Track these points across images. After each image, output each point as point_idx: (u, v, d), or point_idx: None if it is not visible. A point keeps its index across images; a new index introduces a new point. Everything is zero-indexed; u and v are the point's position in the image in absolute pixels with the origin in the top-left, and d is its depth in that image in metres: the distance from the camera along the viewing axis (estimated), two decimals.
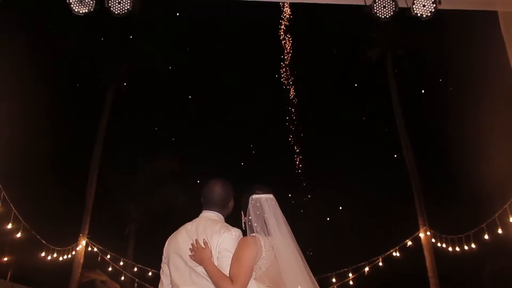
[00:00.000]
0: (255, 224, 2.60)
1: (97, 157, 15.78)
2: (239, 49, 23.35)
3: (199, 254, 2.52)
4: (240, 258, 2.46)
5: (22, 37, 13.22)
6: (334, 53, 23.07)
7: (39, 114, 15.23)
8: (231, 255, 2.51)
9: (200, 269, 2.54)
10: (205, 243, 2.55)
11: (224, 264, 2.50)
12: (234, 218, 2.85)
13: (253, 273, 2.47)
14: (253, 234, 2.61)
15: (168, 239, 2.84)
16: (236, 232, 2.62)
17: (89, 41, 16.49)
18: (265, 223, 2.59)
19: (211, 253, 2.53)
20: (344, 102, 21.85)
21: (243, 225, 2.70)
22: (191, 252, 2.57)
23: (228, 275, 2.44)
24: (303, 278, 2.53)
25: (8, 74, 11.33)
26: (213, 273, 2.45)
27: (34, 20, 15.16)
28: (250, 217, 2.63)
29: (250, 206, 2.65)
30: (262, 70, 23.89)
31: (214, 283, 2.45)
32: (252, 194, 2.70)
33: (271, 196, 2.69)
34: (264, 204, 2.64)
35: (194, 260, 2.54)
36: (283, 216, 2.66)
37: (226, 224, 2.73)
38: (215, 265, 2.50)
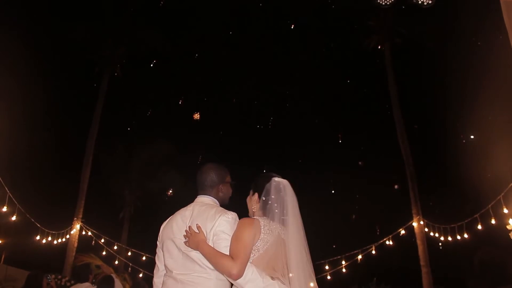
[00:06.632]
0: (276, 205, 2.67)
1: (92, 141, 15.67)
2: (236, 32, 23.18)
3: (194, 238, 2.51)
4: (240, 237, 2.48)
5: (16, 21, 13.05)
6: (332, 40, 22.89)
7: (34, 99, 15.09)
8: (228, 237, 2.51)
9: (194, 254, 2.53)
10: (198, 227, 2.55)
11: (221, 245, 2.49)
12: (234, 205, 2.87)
13: (251, 255, 2.48)
14: (255, 217, 2.68)
15: (163, 225, 2.84)
16: (232, 215, 2.62)
17: (84, 24, 16.28)
18: (284, 205, 2.67)
19: (205, 236, 2.52)
20: (341, 90, 21.79)
21: (253, 205, 2.77)
22: (185, 238, 2.57)
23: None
24: (307, 263, 2.63)
25: (2, 58, 11.21)
26: (211, 254, 2.45)
27: (30, 5, 14.99)
28: (272, 197, 2.69)
29: (272, 187, 2.71)
30: (259, 56, 23.67)
31: (213, 263, 2.45)
32: (271, 177, 2.78)
33: (287, 182, 2.80)
34: (286, 187, 2.74)
35: (189, 246, 2.53)
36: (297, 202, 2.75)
37: (222, 208, 2.74)
38: (211, 246, 2.49)
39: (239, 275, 2.37)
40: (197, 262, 2.53)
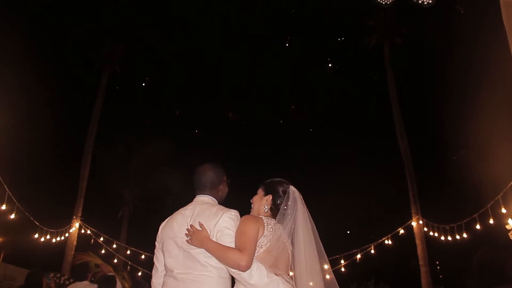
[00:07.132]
0: (289, 211, 2.73)
1: (91, 139, 15.66)
2: (235, 31, 23.12)
3: (197, 236, 2.51)
4: (244, 231, 2.50)
5: (15, 19, 13.02)
6: (331, 40, 22.83)
7: (33, 97, 15.06)
8: (233, 233, 2.52)
9: (196, 252, 2.51)
10: (201, 225, 2.55)
11: (225, 241, 2.49)
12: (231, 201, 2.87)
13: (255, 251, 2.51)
14: (261, 216, 2.71)
15: (162, 225, 2.82)
16: (235, 213, 2.63)
17: (83, 22, 16.26)
18: (296, 214, 2.75)
19: (208, 233, 2.52)
20: (340, 91, 21.76)
21: (265, 206, 2.79)
22: (187, 237, 2.56)
23: None
24: (317, 270, 2.67)
25: (0, 57, 11.19)
26: (217, 248, 2.45)
27: (29, 3, 14.95)
28: (288, 203, 2.75)
29: (290, 194, 2.79)
30: (259, 54, 23.65)
31: (220, 257, 2.44)
32: (288, 183, 2.86)
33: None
34: (299, 197, 2.82)
35: (192, 244, 2.52)
36: (309, 214, 2.82)
37: (222, 206, 2.75)
38: (216, 242, 2.49)
39: (248, 266, 2.37)
40: (199, 261, 2.51)
